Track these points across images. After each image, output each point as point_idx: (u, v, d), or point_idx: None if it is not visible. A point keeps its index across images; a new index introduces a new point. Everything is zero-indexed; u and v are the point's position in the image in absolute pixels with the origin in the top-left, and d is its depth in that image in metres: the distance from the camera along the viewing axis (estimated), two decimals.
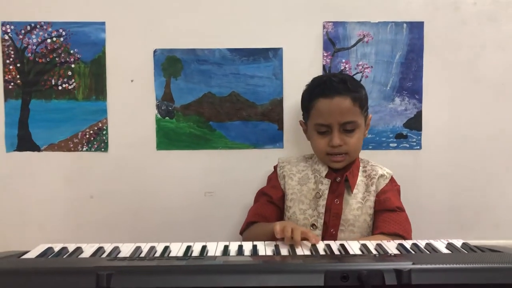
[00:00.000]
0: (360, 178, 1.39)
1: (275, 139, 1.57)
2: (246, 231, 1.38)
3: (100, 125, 1.55)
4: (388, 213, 1.34)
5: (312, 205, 1.37)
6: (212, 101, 1.56)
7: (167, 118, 1.55)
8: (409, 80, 1.56)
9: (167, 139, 1.56)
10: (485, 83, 1.57)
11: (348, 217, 1.35)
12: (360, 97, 1.35)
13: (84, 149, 1.56)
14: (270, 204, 1.42)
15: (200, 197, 1.58)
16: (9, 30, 1.52)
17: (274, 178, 1.46)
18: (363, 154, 1.54)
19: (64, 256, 0.99)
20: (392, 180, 1.41)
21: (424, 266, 0.80)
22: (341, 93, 1.31)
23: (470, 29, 1.56)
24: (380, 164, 1.45)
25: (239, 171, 1.57)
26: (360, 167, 1.42)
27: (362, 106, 1.36)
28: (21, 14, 1.53)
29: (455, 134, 1.58)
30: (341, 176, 1.37)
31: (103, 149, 1.56)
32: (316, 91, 1.36)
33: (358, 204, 1.36)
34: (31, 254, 1.00)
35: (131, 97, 1.55)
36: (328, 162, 1.38)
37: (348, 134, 1.34)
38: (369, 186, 1.38)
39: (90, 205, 1.57)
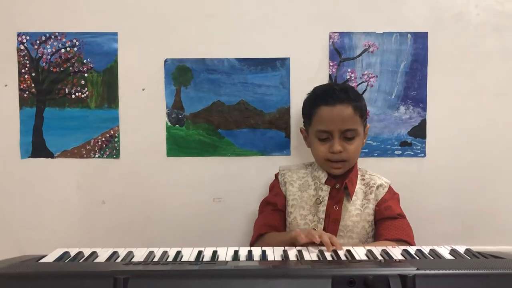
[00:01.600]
0: (359, 186, 1.43)
1: (282, 147, 1.61)
2: (257, 243, 1.39)
3: (112, 132, 1.59)
4: (390, 220, 1.38)
5: (312, 210, 1.41)
6: (221, 109, 1.60)
7: (177, 125, 1.59)
8: (414, 89, 1.59)
9: (177, 146, 1.60)
10: (488, 92, 1.60)
11: (347, 223, 1.39)
12: (361, 107, 1.40)
13: (96, 155, 1.60)
14: (276, 212, 1.45)
15: (209, 203, 1.62)
16: (24, 41, 1.57)
17: (276, 186, 1.50)
18: (368, 161, 1.58)
19: (81, 260, 1.02)
20: (390, 188, 1.45)
21: (428, 271, 0.83)
22: (343, 102, 1.36)
23: (473, 39, 1.59)
24: (378, 173, 1.49)
25: (247, 177, 1.61)
26: (359, 176, 1.46)
27: (362, 115, 1.40)
28: (36, 25, 1.57)
29: (459, 142, 1.61)
30: (341, 184, 1.41)
31: (114, 156, 1.60)
32: (318, 98, 1.41)
33: (357, 211, 1.40)
34: (49, 258, 1.03)
35: (142, 106, 1.59)
36: (327, 169, 1.42)
37: (348, 142, 1.38)
38: (367, 194, 1.42)
39: (102, 210, 1.61)
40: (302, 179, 1.46)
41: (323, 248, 1.11)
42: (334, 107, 1.36)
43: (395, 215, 1.39)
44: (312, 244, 1.13)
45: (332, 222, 1.39)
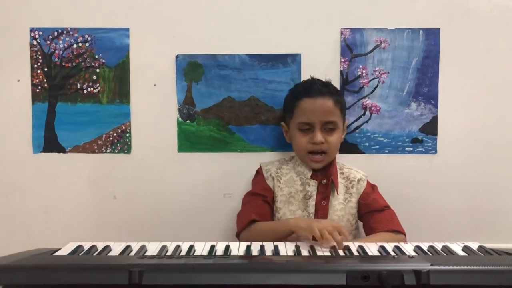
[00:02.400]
0: (340, 180, 1.46)
1: None
2: (246, 230, 1.36)
3: (124, 127, 1.60)
4: (378, 213, 1.42)
5: (301, 206, 1.43)
6: (231, 105, 1.60)
7: (188, 121, 1.60)
8: (425, 86, 1.59)
9: (188, 141, 1.60)
10: (500, 89, 1.59)
11: (333, 217, 1.42)
12: (341, 101, 1.47)
13: (108, 151, 1.61)
14: (265, 203, 1.44)
15: (219, 199, 1.62)
16: (37, 36, 1.58)
17: (262, 181, 1.48)
18: (379, 158, 1.58)
19: (94, 254, 1.03)
20: (368, 181, 1.48)
21: (442, 267, 0.83)
22: (324, 95, 1.41)
23: (486, 35, 1.58)
24: (355, 167, 1.52)
25: None
26: (338, 170, 1.48)
27: (342, 110, 1.46)
28: (49, 21, 1.58)
29: (470, 138, 1.61)
30: (327, 179, 1.44)
31: (126, 151, 1.61)
32: (300, 92, 1.46)
33: (341, 205, 1.43)
34: (63, 252, 1.04)
35: (153, 101, 1.60)
36: (308, 162, 1.44)
37: (328, 133, 1.42)
38: (349, 188, 1.46)
39: (113, 205, 1.62)
40: (286, 175, 1.48)
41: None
42: (315, 99, 1.41)
43: (382, 207, 1.43)
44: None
45: (320, 218, 1.41)
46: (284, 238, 1.24)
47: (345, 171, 1.49)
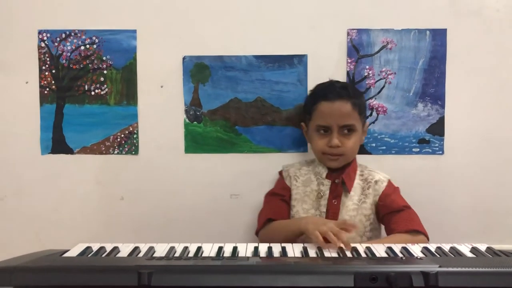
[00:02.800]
0: (357, 181, 1.46)
1: (299, 144, 1.61)
2: (264, 229, 1.42)
3: (131, 129, 1.61)
4: (397, 213, 1.40)
5: (314, 205, 1.44)
6: (238, 106, 1.60)
7: (195, 122, 1.61)
8: (432, 86, 1.58)
9: (195, 143, 1.61)
10: (507, 89, 1.58)
11: (344, 217, 1.41)
12: (360, 104, 1.44)
13: (115, 152, 1.62)
14: (283, 202, 1.48)
15: (226, 200, 1.63)
16: (45, 38, 1.59)
17: (281, 181, 1.53)
18: (386, 159, 1.58)
19: (103, 255, 1.04)
20: (390, 183, 1.47)
21: (450, 269, 0.83)
22: (343, 98, 1.40)
23: (493, 35, 1.57)
24: (377, 169, 1.50)
25: (264, 174, 1.61)
26: (358, 171, 1.48)
27: (361, 112, 1.44)
28: (57, 23, 1.59)
29: (477, 139, 1.60)
30: (340, 178, 1.44)
31: (133, 152, 1.62)
32: (319, 94, 1.45)
33: (354, 205, 1.42)
34: (72, 253, 1.05)
35: (160, 102, 1.60)
36: (325, 162, 1.46)
37: (346, 137, 1.42)
38: (365, 189, 1.45)
39: (121, 206, 1.63)
40: (305, 176, 1.49)
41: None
42: (333, 102, 1.40)
43: (401, 207, 1.41)
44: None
45: (330, 216, 1.42)
46: (297, 237, 1.26)
47: (365, 173, 1.48)
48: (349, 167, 1.46)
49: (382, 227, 1.47)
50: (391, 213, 1.40)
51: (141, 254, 1.05)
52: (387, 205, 1.42)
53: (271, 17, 1.58)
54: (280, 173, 1.55)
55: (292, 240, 1.22)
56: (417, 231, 1.33)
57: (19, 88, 1.61)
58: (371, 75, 1.58)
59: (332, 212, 1.42)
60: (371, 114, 1.59)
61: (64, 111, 1.61)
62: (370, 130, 1.59)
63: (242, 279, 0.83)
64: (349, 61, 1.58)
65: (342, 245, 1.09)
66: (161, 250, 1.07)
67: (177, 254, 1.04)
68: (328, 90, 1.43)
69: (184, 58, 1.59)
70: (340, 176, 1.44)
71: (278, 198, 1.49)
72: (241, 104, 1.60)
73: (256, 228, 1.46)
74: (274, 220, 1.41)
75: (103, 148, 1.61)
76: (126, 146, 1.61)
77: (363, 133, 1.49)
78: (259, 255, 1.04)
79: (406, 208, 1.41)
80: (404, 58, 1.58)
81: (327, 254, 1.06)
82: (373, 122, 1.59)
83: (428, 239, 1.33)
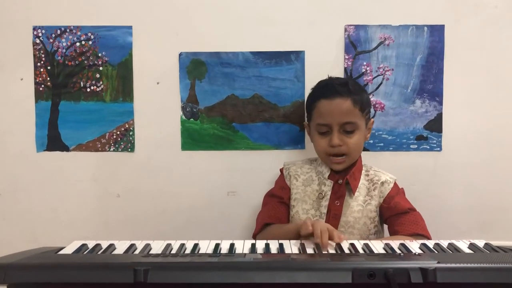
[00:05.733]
0: (362, 182, 1.42)
1: (297, 141, 1.60)
2: (261, 233, 1.39)
3: (127, 126, 1.60)
4: (402, 216, 1.36)
5: (315, 205, 1.41)
6: (235, 103, 1.59)
7: (191, 119, 1.60)
8: (430, 83, 1.58)
9: (192, 140, 1.60)
10: (505, 86, 1.58)
11: (348, 219, 1.38)
12: (361, 100, 1.38)
13: (111, 149, 1.61)
14: (281, 204, 1.45)
15: (223, 197, 1.62)
16: (40, 34, 1.58)
17: (281, 180, 1.50)
18: (384, 156, 1.58)
19: (99, 252, 1.03)
20: (395, 184, 1.44)
21: (449, 265, 0.82)
22: (342, 95, 1.36)
23: (490, 32, 1.57)
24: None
25: (261, 171, 1.60)
26: (363, 171, 1.45)
27: (363, 109, 1.39)
28: (52, 19, 1.58)
29: (475, 135, 1.60)
30: (343, 179, 1.40)
31: (129, 149, 1.61)
32: (318, 92, 1.42)
33: (359, 207, 1.39)
34: (67, 250, 1.04)
35: (157, 99, 1.59)
36: (329, 164, 1.42)
37: (347, 135, 1.37)
38: (371, 190, 1.41)
39: (117, 203, 1.62)
40: (306, 174, 1.46)
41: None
42: (332, 100, 1.36)
43: (406, 209, 1.38)
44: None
45: (332, 218, 1.39)
46: (295, 239, 1.23)
47: (371, 173, 1.44)
48: (353, 166, 1.42)
49: (385, 230, 1.45)
50: (396, 215, 1.37)
51: (137, 251, 1.04)
52: (391, 207, 1.38)
53: (268, 13, 1.57)
54: (281, 170, 1.52)
55: None
56: (422, 235, 1.30)
57: (14, 85, 1.59)
58: (368, 71, 1.58)
59: (334, 213, 1.39)
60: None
61: (59, 108, 1.60)
62: None
63: (240, 276, 0.82)
64: (347, 57, 1.58)
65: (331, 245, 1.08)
66: (157, 247, 1.06)
67: (173, 251, 1.04)
68: (327, 88, 1.39)
69: (180, 55, 1.58)
70: (344, 177, 1.40)
71: (276, 201, 1.45)
72: (238, 101, 1.59)
73: (254, 231, 1.43)
74: (271, 224, 1.39)
75: (99, 145, 1.60)
76: (122, 143, 1.60)
77: (368, 131, 1.45)
78: (256, 252, 1.03)
79: (411, 210, 1.38)
80: (402, 54, 1.57)
81: (324, 250, 1.05)
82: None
83: None
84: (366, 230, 1.39)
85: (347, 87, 1.37)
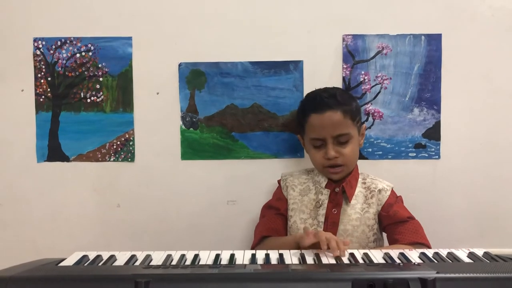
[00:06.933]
0: (359, 189, 1.43)
1: (296, 149, 1.61)
2: (259, 246, 1.39)
3: (127, 136, 1.61)
4: (401, 224, 1.37)
5: (312, 214, 1.42)
6: (234, 112, 1.60)
7: (191, 129, 1.60)
8: (428, 91, 1.59)
9: (191, 149, 1.61)
10: (503, 94, 1.59)
11: (346, 227, 1.39)
12: (351, 109, 1.40)
13: (112, 159, 1.61)
14: (278, 216, 1.46)
15: (223, 206, 1.63)
16: (40, 46, 1.59)
17: (278, 191, 1.51)
18: (382, 164, 1.59)
19: (100, 264, 1.03)
20: (393, 192, 1.45)
21: (448, 275, 0.83)
22: (332, 107, 1.37)
23: (487, 40, 1.58)
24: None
25: (261, 180, 1.61)
26: (360, 179, 1.46)
27: (354, 118, 1.40)
28: (52, 30, 1.59)
29: (473, 144, 1.60)
30: (339, 187, 1.41)
31: (129, 159, 1.61)
32: (308, 107, 1.43)
33: (356, 215, 1.40)
34: (68, 262, 1.04)
35: (157, 109, 1.60)
36: (326, 174, 1.43)
37: (342, 146, 1.39)
38: (368, 198, 1.42)
39: (117, 213, 1.63)
40: (303, 184, 1.47)
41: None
42: (323, 114, 1.37)
43: (405, 218, 1.38)
44: (314, 246, 1.13)
45: (330, 226, 1.39)
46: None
47: (368, 181, 1.45)
48: (349, 175, 1.43)
49: (385, 238, 1.45)
50: (395, 223, 1.38)
51: (138, 263, 1.04)
52: (390, 215, 1.39)
53: (266, 23, 1.58)
54: (279, 181, 1.53)
55: None
56: (422, 244, 1.31)
57: (15, 96, 1.60)
58: (366, 80, 1.59)
59: (331, 221, 1.39)
60: (367, 119, 1.59)
61: (60, 118, 1.61)
62: (366, 135, 1.58)
63: (239, 287, 0.83)
64: (345, 66, 1.59)
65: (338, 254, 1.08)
66: (158, 258, 1.07)
67: (174, 262, 1.04)
68: (316, 101, 1.40)
69: (180, 65, 1.59)
70: (340, 185, 1.41)
71: (274, 212, 1.46)
72: (237, 110, 1.60)
73: (252, 244, 1.43)
74: (269, 237, 1.40)
75: (99, 156, 1.61)
76: (122, 153, 1.61)
77: (361, 136, 1.46)
78: (256, 263, 1.04)
79: (410, 219, 1.39)
80: (400, 63, 1.59)
81: (324, 261, 1.05)
82: (369, 127, 1.59)
83: None
84: (365, 238, 1.40)
85: (335, 98, 1.38)
